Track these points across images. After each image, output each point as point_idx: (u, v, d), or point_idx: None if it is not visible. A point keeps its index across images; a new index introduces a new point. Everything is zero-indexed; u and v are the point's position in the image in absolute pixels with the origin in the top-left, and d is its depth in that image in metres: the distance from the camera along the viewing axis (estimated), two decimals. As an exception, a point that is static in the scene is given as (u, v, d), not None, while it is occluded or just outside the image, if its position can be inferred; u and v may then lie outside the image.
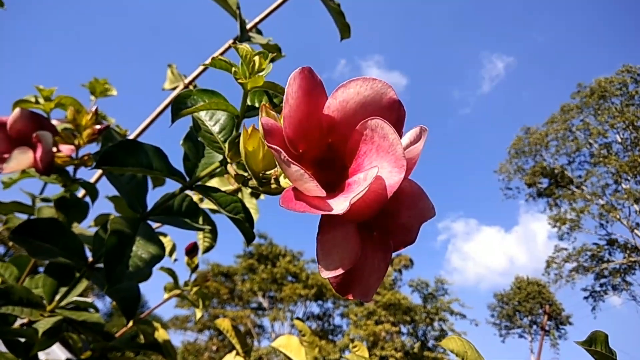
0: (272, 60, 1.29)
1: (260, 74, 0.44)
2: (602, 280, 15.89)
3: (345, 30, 1.11)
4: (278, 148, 0.29)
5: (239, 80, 0.44)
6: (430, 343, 16.61)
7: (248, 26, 1.09)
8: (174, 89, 1.18)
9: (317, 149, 0.35)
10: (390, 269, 17.31)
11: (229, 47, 1.07)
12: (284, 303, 17.47)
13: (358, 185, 0.31)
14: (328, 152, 0.35)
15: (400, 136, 0.36)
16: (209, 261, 17.61)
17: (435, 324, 17.01)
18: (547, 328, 16.80)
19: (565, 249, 16.16)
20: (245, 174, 0.48)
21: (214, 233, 1.21)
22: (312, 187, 0.29)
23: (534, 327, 18.96)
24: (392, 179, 0.30)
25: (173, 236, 1.28)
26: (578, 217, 15.57)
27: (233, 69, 0.44)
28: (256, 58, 0.44)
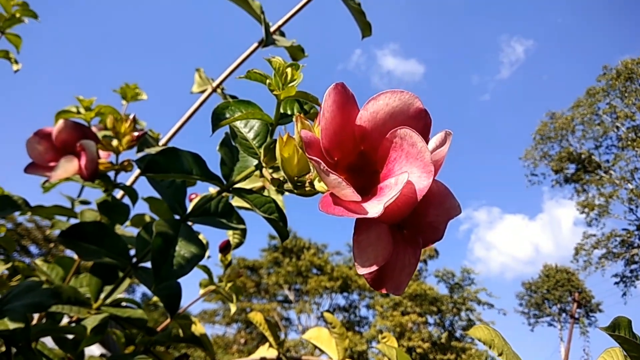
0: (294, 60, 1.32)
1: (292, 84, 0.48)
2: (633, 267, 15.61)
3: (366, 29, 1.13)
4: (317, 159, 0.32)
5: (274, 92, 0.47)
6: (458, 333, 16.57)
7: (272, 29, 1.12)
8: (202, 92, 1.22)
9: (351, 157, 0.38)
10: (415, 259, 17.23)
11: (255, 49, 1.11)
12: (309, 295, 17.59)
13: (390, 190, 0.34)
14: (361, 159, 0.38)
15: (427, 142, 0.39)
16: (235, 256, 17.84)
17: (462, 313, 16.95)
18: (576, 316, 16.59)
19: (594, 235, 15.91)
20: (280, 177, 0.51)
21: (243, 230, 1.25)
22: (349, 193, 0.32)
23: (564, 315, 18.75)
24: (422, 183, 0.33)
25: (204, 234, 1.32)
26: (607, 203, 15.31)
27: (267, 80, 0.47)
28: (288, 70, 0.47)
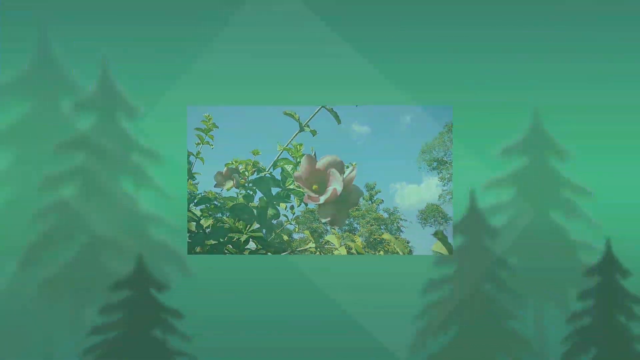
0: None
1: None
2: None
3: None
4: (301, 184, 1.17)
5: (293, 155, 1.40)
6: None
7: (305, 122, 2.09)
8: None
9: (316, 180, 1.23)
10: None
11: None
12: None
13: (329, 191, 1.19)
14: (320, 181, 1.24)
15: (343, 173, 1.25)
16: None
17: None
18: None
19: None
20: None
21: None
22: (311, 194, 1.18)
23: None
24: (339, 189, 1.21)
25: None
26: None
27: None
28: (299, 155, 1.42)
